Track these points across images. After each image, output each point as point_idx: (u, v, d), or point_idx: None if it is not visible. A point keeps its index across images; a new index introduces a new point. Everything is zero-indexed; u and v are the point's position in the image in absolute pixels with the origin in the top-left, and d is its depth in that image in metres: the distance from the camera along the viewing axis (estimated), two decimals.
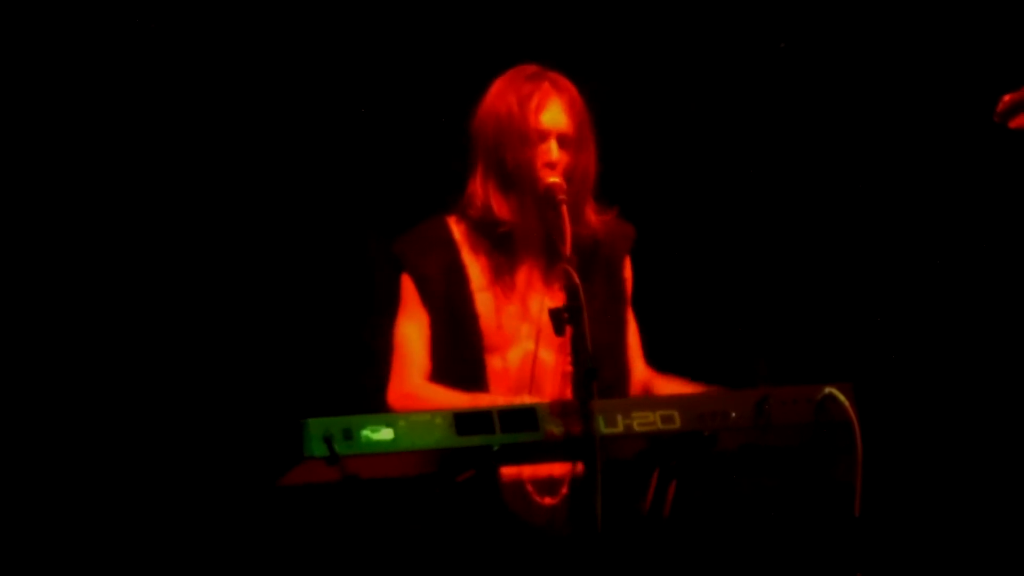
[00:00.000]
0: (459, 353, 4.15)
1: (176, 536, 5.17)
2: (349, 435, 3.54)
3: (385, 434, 3.57)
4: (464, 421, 3.61)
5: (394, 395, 4.16)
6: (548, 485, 4.06)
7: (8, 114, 5.14)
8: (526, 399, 3.91)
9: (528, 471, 4.04)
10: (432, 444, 3.60)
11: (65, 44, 5.18)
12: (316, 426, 3.54)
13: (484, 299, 4.18)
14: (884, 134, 5.59)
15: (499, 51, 4.41)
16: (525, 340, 4.15)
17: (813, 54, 5.59)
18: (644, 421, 3.69)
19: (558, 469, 4.04)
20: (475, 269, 4.20)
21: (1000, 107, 3.64)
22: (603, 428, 3.64)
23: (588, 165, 4.18)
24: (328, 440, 3.52)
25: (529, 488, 4.06)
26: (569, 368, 3.98)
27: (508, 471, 4.01)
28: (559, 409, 3.66)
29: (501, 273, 4.19)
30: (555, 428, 3.65)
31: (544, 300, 4.14)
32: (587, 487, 3.56)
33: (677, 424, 3.70)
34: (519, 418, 3.65)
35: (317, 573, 5.14)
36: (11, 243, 5.15)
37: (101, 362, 5.20)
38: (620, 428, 3.67)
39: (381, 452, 3.57)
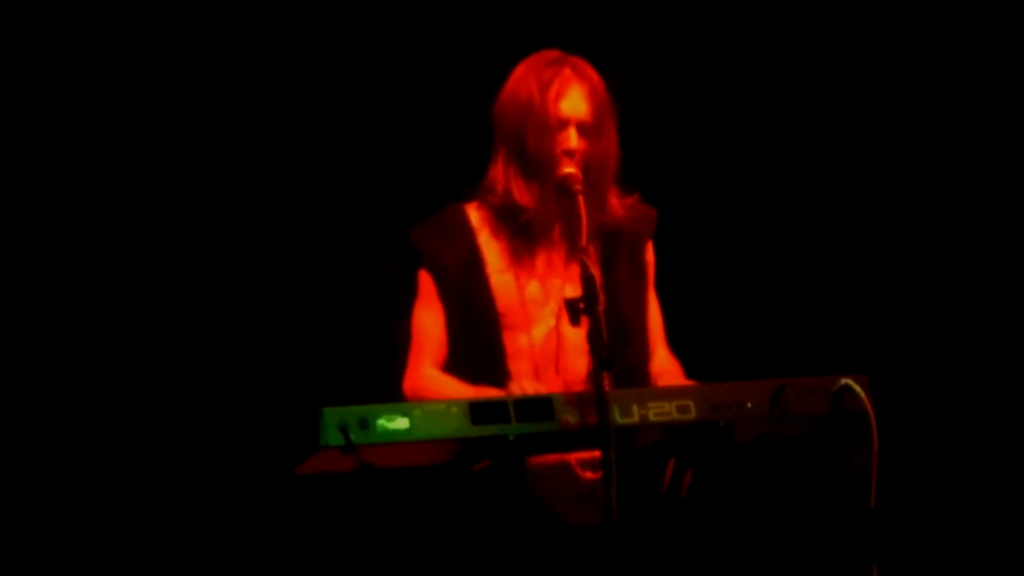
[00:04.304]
0: (476, 334, 4.14)
1: (192, 524, 5.18)
2: (365, 424, 3.55)
3: (401, 423, 3.58)
4: (480, 411, 3.61)
5: (408, 385, 4.17)
6: (591, 461, 4.05)
7: (11, 115, 5.15)
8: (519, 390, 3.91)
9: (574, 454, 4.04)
10: (448, 433, 3.60)
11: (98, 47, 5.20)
12: (332, 415, 3.54)
13: (503, 281, 4.17)
14: (903, 128, 5.58)
15: (522, 37, 4.39)
16: (550, 318, 4.15)
17: (830, 48, 5.58)
18: (660, 411, 3.69)
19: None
20: (492, 253, 4.19)
21: None
22: (619, 418, 3.64)
23: (609, 152, 4.15)
24: (344, 429, 3.52)
25: (573, 463, 4.06)
26: None
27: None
28: (575, 399, 3.66)
29: (520, 256, 4.18)
30: (571, 418, 3.65)
31: (566, 278, 4.14)
32: (604, 477, 3.56)
33: (692, 414, 3.70)
34: (535, 408, 3.65)
35: (332, 561, 5.15)
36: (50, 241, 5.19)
37: (121, 351, 5.21)
38: (636, 418, 3.67)
39: (397, 441, 3.57)
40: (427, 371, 4.15)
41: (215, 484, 5.20)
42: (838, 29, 5.58)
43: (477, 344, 4.14)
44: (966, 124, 5.52)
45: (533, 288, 4.17)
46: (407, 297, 4.23)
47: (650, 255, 4.31)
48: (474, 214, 4.22)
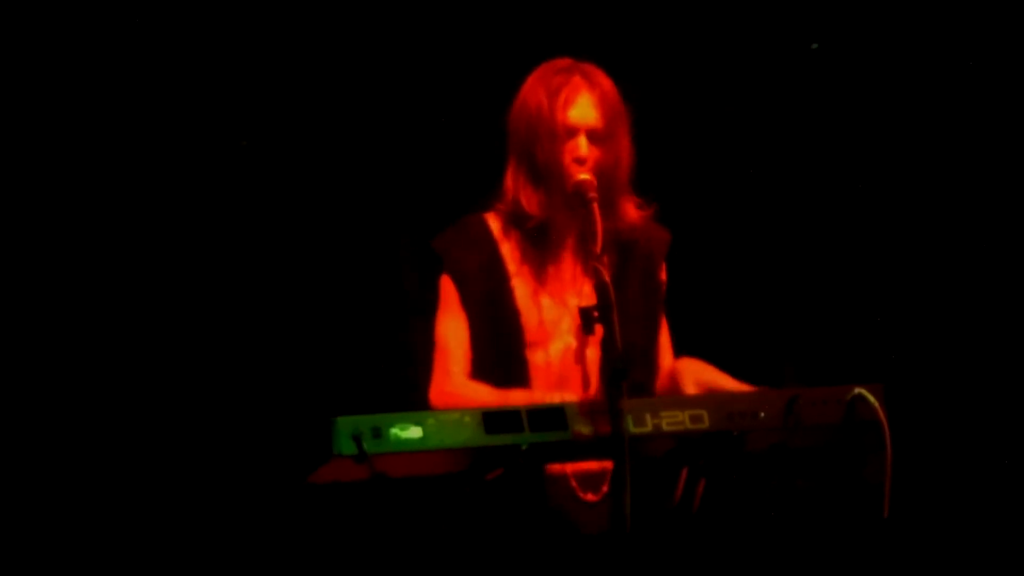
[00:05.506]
0: (501, 349, 4.12)
1: (206, 533, 5.19)
2: (378, 433, 3.55)
3: (414, 432, 3.57)
4: (493, 420, 3.61)
5: (436, 393, 4.14)
6: (591, 481, 4.05)
7: (14, 116, 5.17)
8: (556, 397, 3.89)
9: (572, 466, 4.03)
10: (461, 443, 3.60)
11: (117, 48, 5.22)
12: (345, 424, 3.54)
13: (523, 294, 4.16)
14: (916, 137, 5.58)
15: (540, 45, 4.38)
16: (566, 334, 4.14)
17: (846, 59, 5.58)
18: (673, 421, 3.68)
19: (598, 465, 4.03)
20: (513, 265, 4.18)
21: None
22: (632, 428, 3.64)
23: (621, 159, 4.13)
24: (357, 438, 3.52)
25: (573, 483, 4.05)
26: None
27: (552, 466, 4.01)
28: (588, 408, 3.66)
29: (538, 268, 4.16)
30: (584, 428, 3.65)
31: (582, 294, 4.13)
32: (616, 486, 3.56)
33: (706, 424, 3.69)
34: (548, 417, 3.64)
35: (344, 571, 5.15)
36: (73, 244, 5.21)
37: (135, 358, 5.22)
38: (649, 428, 3.66)
39: (410, 450, 3.57)
40: (457, 379, 4.12)
41: (229, 493, 5.20)
42: (853, 39, 5.58)
43: (500, 359, 4.13)
44: (981, 133, 5.52)
45: (550, 303, 4.16)
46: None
47: (663, 276, 4.29)
48: (494, 224, 4.22)
